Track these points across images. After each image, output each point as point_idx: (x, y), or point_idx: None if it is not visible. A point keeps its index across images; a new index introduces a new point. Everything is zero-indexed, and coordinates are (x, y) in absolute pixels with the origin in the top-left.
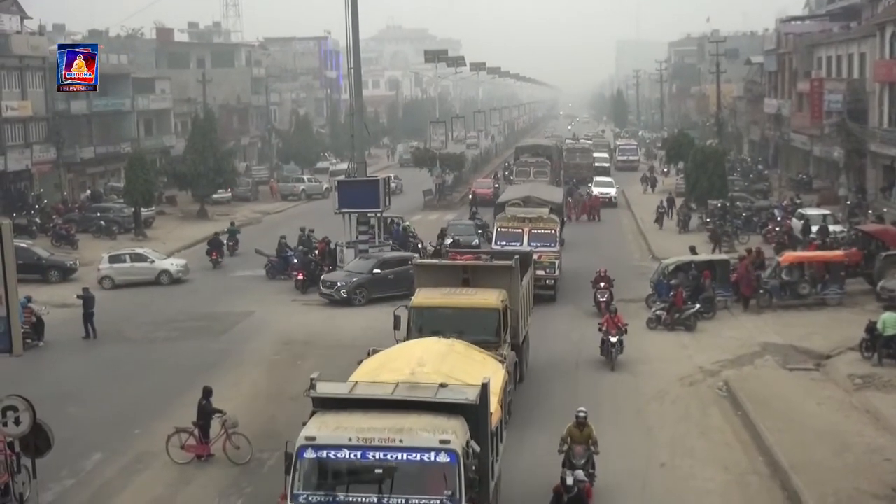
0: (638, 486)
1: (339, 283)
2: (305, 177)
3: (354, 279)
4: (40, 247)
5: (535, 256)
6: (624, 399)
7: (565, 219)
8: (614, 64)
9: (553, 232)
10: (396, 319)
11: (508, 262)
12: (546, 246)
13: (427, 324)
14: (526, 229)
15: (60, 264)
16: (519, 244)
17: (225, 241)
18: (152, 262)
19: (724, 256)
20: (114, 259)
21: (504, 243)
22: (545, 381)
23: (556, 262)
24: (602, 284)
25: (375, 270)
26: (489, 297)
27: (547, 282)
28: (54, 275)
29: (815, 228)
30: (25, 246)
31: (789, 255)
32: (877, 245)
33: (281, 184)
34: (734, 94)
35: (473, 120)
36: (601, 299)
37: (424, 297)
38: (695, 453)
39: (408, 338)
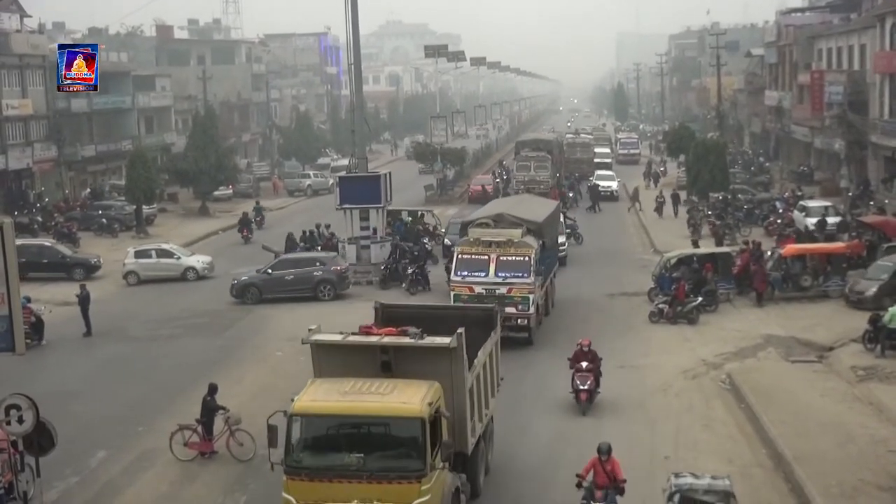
0: (642, 478)
1: (233, 282)
2: (311, 172)
3: (244, 278)
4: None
5: (503, 290)
6: (627, 392)
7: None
8: (615, 57)
9: (526, 259)
10: (271, 432)
11: (445, 343)
12: (518, 276)
13: (315, 440)
14: (492, 256)
15: (85, 262)
16: (484, 274)
17: (253, 219)
18: (178, 258)
19: (725, 249)
20: (140, 254)
21: (465, 274)
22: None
23: (531, 296)
24: (584, 365)
25: (269, 270)
26: (410, 400)
27: (519, 321)
28: (79, 272)
29: (831, 221)
30: (50, 244)
31: (791, 248)
32: (879, 236)
33: (287, 180)
34: (735, 87)
35: (474, 115)
36: (581, 387)
37: (313, 397)
38: (698, 446)
39: (286, 461)
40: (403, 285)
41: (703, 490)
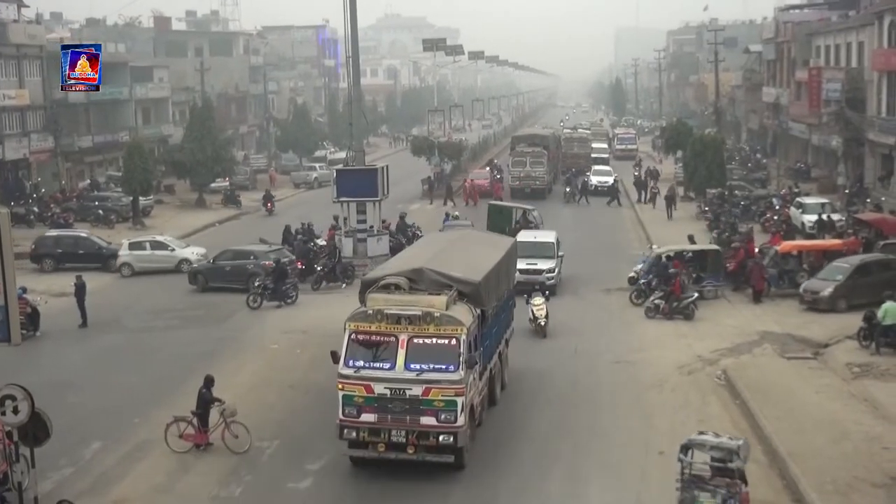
0: (637, 474)
1: (188, 269)
2: (317, 165)
3: (193, 265)
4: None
5: (417, 391)
6: (623, 387)
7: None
8: (613, 52)
9: (453, 343)
10: None
11: None
12: (440, 370)
13: None
14: (402, 338)
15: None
16: (388, 366)
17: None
18: (172, 250)
19: (715, 247)
20: (134, 246)
21: (360, 364)
22: None
23: (460, 400)
24: None
25: (211, 259)
26: None
27: (440, 439)
28: (114, 263)
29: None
30: (86, 235)
31: (787, 244)
32: (876, 233)
33: (294, 173)
34: (733, 83)
35: (472, 109)
36: None
37: None
38: None
39: None
40: (249, 299)
41: (711, 446)
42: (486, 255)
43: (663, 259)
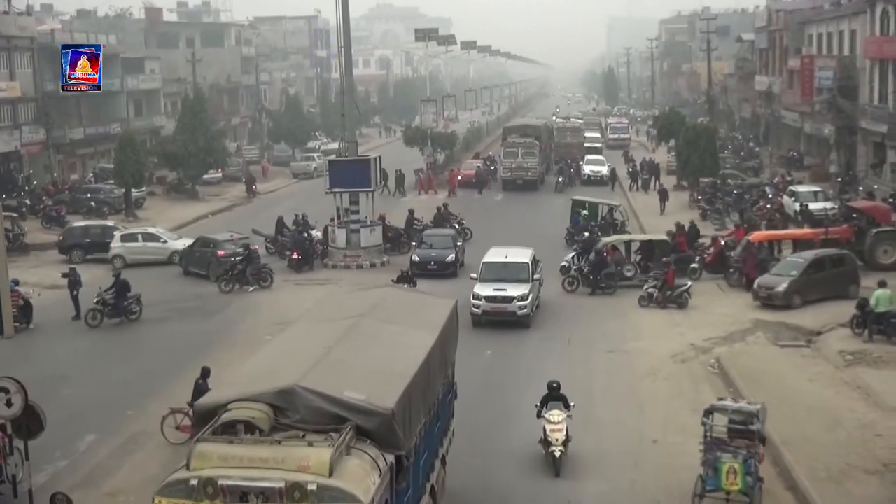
0: (630, 462)
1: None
2: (315, 155)
3: (176, 253)
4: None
5: None
6: (617, 376)
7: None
8: (606, 41)
9: None
10: None
11: None
12: None
13: None
14: None
15: None
16: None
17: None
18: (165, 241)
19: (662, 236)
20: (126, 238)
21: None
22: None
23: None
24: None
25: (190, 245)
26: None
27: None
28: None
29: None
30: (112, 225)
31: (759, 234)
32: (868, 221)
33: (293, 163)
34: (725, 72)
35: (465, 99)
36: None
37: None
38: (687, 430)
39: None
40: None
41: (732, 409)
42: (410, 346)
43: (599, 246)
